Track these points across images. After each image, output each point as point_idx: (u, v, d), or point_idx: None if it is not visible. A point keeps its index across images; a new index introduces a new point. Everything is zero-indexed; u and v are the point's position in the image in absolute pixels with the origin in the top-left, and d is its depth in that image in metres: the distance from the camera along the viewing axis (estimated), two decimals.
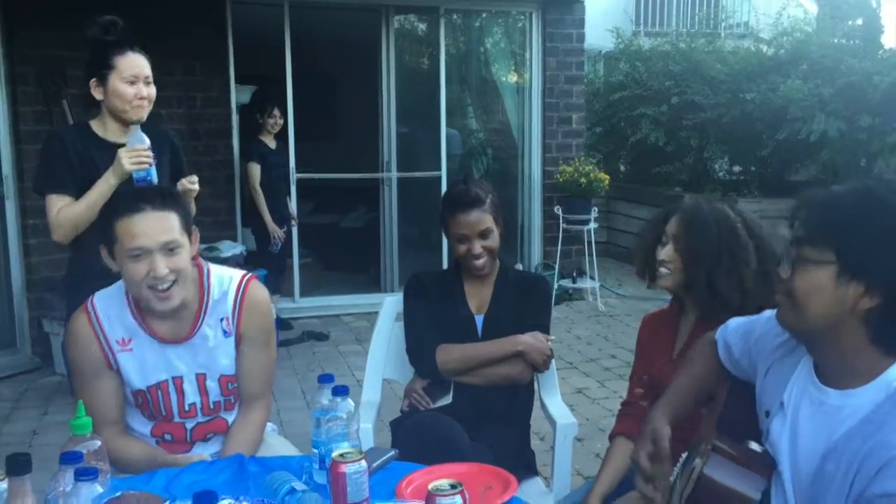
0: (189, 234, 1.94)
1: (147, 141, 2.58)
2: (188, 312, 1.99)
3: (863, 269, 1.31)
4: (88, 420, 1.50)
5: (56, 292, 4.75)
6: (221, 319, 2.02)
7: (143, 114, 2.70)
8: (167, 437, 2.06)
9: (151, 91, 2.70)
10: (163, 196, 1.92)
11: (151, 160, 2.57)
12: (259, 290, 2.08)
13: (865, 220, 1.32)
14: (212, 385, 2.04)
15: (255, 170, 5.68)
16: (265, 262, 5.71)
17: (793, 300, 1.38)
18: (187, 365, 2.01)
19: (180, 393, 2.02)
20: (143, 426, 2.06)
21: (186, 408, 2.03)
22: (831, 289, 1.33)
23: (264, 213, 5.71)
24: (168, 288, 1.88)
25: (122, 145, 2.66)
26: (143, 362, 1.98)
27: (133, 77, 2.65)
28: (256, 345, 2.06)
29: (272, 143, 5.89)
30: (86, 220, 2.57)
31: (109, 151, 2.62)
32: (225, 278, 2.05)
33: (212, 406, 2.06)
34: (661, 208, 2.22)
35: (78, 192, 2.60)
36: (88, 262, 2.60)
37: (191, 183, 2.70)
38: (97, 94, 2.67)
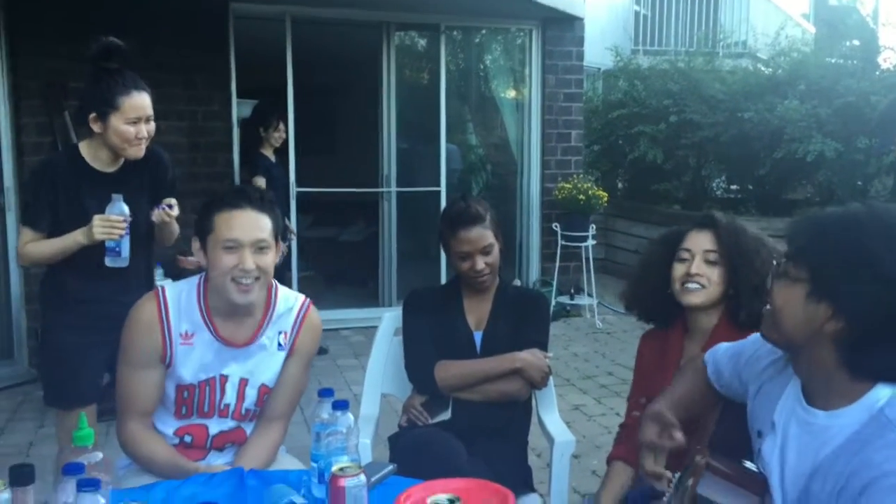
0: (276, 242, 2.04)
1: (126, 211, 2.59)
2: (253, 320, 2.07)
3: (831, 293, 1.35)
4: (91, 431, 1.51)
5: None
6: (280, 333, 2.10)
7: (141, 152, 2.71)
8: (187, 438, 2.10)
9: (151, 128, 2.71)
10: (262, 199, 2.04)
11: (124, 231, 2.58)
12: (317, 316, 2.19)
13: (841, 247, 1.36)
14: (250, 392, 2.09)
15: (262, 183, 5.67)
16: None
17: (771, 312, 1.44)
18: (237, 367, 2.08)
19: (222, 391, 2.08)
20: (166, 426, 2.10)
21: (222, 406, 2.09)
22: (801, 306, 1.38)
23: None
24: (250, 283, 1.98)
25: (109, 174, 2.72)
26: (200, 359, 2.05)
27: (136, 118, 2.64)
28: (301, 364, 2.15)
29: (272, 157, 5.91)
30: (47, 261, 2.73)
31: (96, 179, 2.70)
32: (291, 297, 2.16)
33: (243, 412, 2.11)
34: (669, 229, 2.21)
35: (55, 225, 2.66)
36: (61, 283, 2.76)
37: (168, 215, 2.69)
38: (96, 127, 2.66)
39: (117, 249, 2.60)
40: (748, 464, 1.52)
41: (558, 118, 7.22)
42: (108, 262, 2.62)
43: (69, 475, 1.35)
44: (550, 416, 2.65)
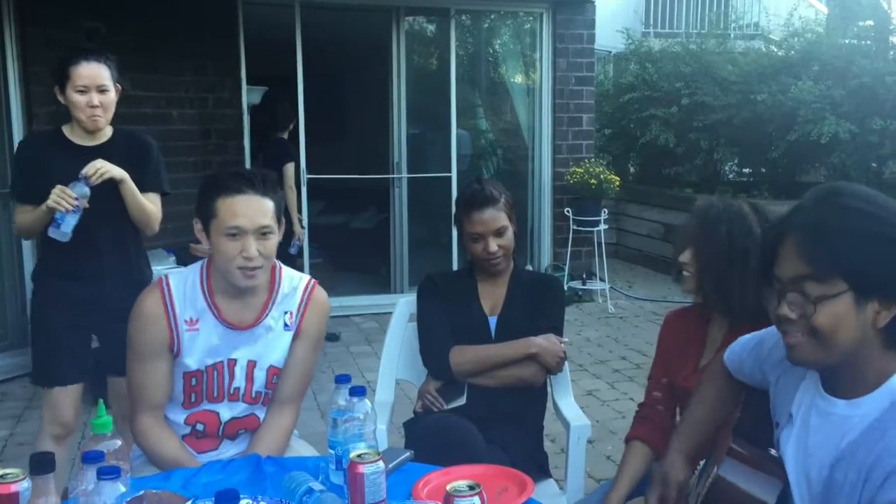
0: (279, 223, 2.01)
1: (85, 192, 2.66)
2: (257, 301, 2.05)
3: (876, 286, 1.30)
4: (109, 419, 1.51)
5: None
6: (285, 313, 2.08)
7: (97, 123, 2.78)
8: (199, 426, 2.09)
9: (105, 98, 2.77)
10: (264, 182, 1.98)
11: (71, 208, 2.64)
12: (323, 295, 2.16)
13: (866, 240, 1.30)
14: (259, 374, 2.08)
15: (291, 169, 5.75)
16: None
17: (817, 337, 1.34)
18: (244, 350, 2.06)
19: (231, 375, 2.06)
20: (177, 415, 2.08)
21: (231, 391, 2.07)
22: (853, 316, 1.31)
23: (295, 213, 5.76)
24: (255, 268, 1.96)
25: (87, 148, 2.80)
26: (206, 344, 2.03)
27: (84, 87, 2.72)
28: (309, 345, 2.13)
29: None
30: (31, 229, 2.82)
31: (72, 153, 2.77)
32: (295, 277, 2.13)
33: (254, 395, 2.10)
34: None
35: (39, 196, 2.71)
36: (49, 261, 2.89)
37: (93, 167, 2.68)
38: (61, 99, 2.78)
39: (59, 221, 2.68)
40: (771, 451, 1.50)
41: (569, 102, 7.18)
42: (50, 231, 2.70)
43: (89, 463, 1.35)
44: (566, 400, 2.64)
